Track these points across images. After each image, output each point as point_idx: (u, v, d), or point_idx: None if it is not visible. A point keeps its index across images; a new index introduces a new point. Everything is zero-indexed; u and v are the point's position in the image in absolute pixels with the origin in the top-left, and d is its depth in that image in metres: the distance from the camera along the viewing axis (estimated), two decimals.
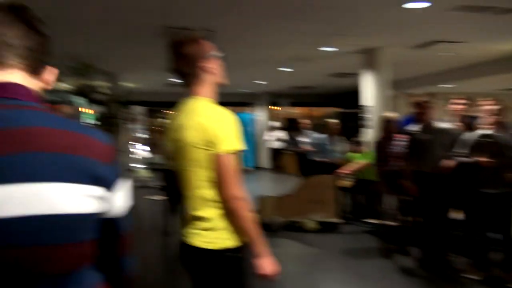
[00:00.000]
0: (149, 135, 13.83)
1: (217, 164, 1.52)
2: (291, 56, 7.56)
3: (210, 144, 1.51)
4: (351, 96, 13.93)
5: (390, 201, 4.66)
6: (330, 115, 14.35)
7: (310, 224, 5.40)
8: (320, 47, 6.70)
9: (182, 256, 1.65)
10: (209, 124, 1.52)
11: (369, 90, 7.07)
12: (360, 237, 5.29)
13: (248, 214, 1.56)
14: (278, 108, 14.65)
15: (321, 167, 6.29)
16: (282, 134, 11.34)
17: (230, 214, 1.55)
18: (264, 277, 1.59)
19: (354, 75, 9.53)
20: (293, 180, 7.00)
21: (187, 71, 1.64)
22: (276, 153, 11.93)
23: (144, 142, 11.67)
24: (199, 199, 1.58)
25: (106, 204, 0.84)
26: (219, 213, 1.57)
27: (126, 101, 7.61)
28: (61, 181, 0.75)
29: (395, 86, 11.01)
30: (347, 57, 7.56)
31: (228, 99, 14.65)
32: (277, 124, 13.06)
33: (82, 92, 7.91)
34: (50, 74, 0.90)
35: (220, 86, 1.71)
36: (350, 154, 6.34)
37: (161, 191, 8.72)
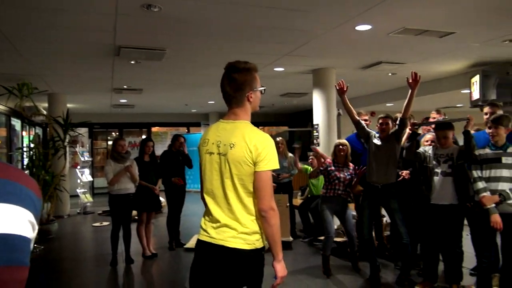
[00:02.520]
0: (93, 158, 13.20)
1: (257, 179, 1.80)
2: None
3: (254, 162, 1.78)
4: (301, 115, 14.30)
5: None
6: (281, 134, 14.59)
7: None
8: (272, 67, 6.77)
9: (213, 259, 1.85)
10: (255, 145, 1.78)
11: (319, 109, 7.21)
12: (312, 255, 5.27)
13: (277, 223, 1.84)
14: None
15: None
16: None
17: (263, 222, 1.83)
18: (280, 279, 1.88)
19: (304, 95, 9.78)
20: None
21: (234, 95, 1.88)
22: None
23: (88, 165, 11.07)
24: (237, 208, 1.83)
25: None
26: (252, 219, 1.84)
27: (68, 123, 7.16)
28: (5, 202, 0.74)
29: (341, 105, 11.50)
30: (298, 77, 7.71)
31: (181, 120, 14.50)
32: None
33: (19, 113, 7.37)
34: None
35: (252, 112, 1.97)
36: (305, 167, 6.41)
37: (106, 216, 8.32)
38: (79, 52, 5.52)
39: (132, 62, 6.05)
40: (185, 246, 5.79)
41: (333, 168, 4.57)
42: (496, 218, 3.19)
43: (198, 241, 1.93)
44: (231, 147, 1.80)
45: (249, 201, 1.83)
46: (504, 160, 3.27)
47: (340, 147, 4.56)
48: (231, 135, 1.83)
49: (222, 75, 1.88)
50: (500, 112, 3.81)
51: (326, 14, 4.23)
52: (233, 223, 1.82)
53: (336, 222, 5.16)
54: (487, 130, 3.48)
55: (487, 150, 3.38)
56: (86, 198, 9.63)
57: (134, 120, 13.97)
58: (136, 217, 5.56)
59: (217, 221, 1.85)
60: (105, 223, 7.78)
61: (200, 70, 6.94)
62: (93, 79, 7.44)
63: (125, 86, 8.32)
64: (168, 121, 14.53)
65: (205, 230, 1.89)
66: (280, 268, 1.87)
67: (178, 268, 4.98)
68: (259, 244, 1.85)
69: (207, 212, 1.91)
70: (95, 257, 5.73)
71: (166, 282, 4.65)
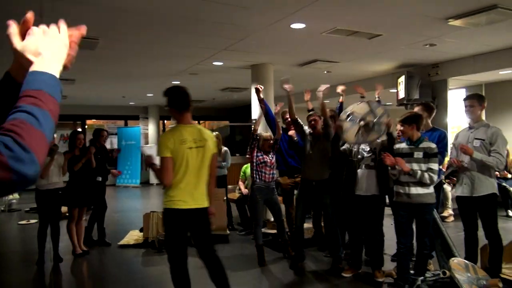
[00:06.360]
0: None
1: (212, 160, 2.99)
2: (183, 69, 7.48)
3: (213, 149, 2.99)
4: (242, 110, 14.39)
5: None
6: (222, 129, 14.59)
7: None
8: (211, 61, 6.76)
9: (192, 216, 2.90)
10: (213, 138, 3.02)
11: (257, 104, 7.31)
12: (248, 247, 5.36)
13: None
14: (168, 121, 14.34)
15: None
16: None
17: (211, 186, 3.04)
18: (213, 215, 3.07)
19: (244, 90, 9.87)
20: None
21: (188, 107, 2.93)
22: None
23: None
24: (204, 182, 2.96)
25: None
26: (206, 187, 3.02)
27: None
28: None
29: (280, 101, 11.72)
30: (237, 72, 7.77)
31: (119, 112, 13.96)
32: None
33: None
34: None
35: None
36: (244, 166, 6.47)
37: (34, 214, 7.83)
38: (1, 37, 5.12)
39: None
40: (119, 243, 5.62)
41: (260, 157, 4.69)
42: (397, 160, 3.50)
43: (176, 210, 2.85)
44: (205, 141, 2.90)
45: (207, 176, 2.97)
46: (416, 154, 3.56)
47: (270, 141, 4.69)
48: (200, 134, 2.92)
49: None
50: (424, 113, 4.07)
51: (263, 10, 4.32)
52: (203, 192, 2.95)
53: (271, 216, 5.29)
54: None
55: (404, 145, 3.67)
56: (12, 194, 8.99)
57: (67, 112, 13.18)
58: (67, 214, 5.30)
59: (195, 192, 2.90)
60: (32, 221, 7.33)
61: (137, 61, 6.75)
62: None
63: None
64: (104, 114, 13.93)
65: (184, 201, 2.85)
66: (214, 210, 3.16)
67: (110, 265, 4.84)
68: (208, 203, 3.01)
69: (187, 188, 2.86)
70: (21, 256, 5.39)
71: (96, 280, 4.51)
